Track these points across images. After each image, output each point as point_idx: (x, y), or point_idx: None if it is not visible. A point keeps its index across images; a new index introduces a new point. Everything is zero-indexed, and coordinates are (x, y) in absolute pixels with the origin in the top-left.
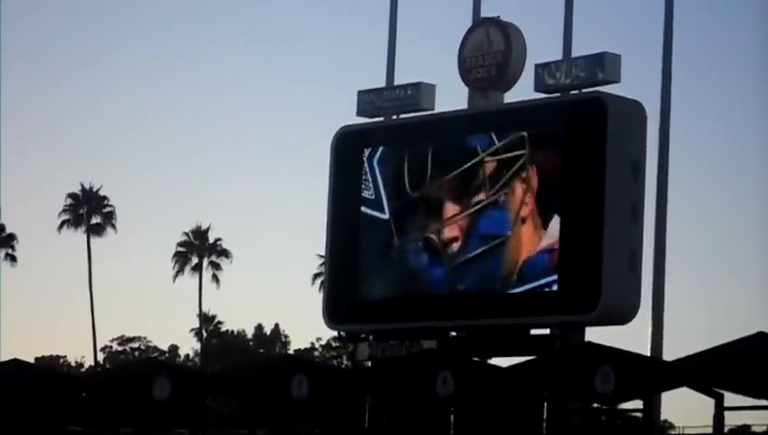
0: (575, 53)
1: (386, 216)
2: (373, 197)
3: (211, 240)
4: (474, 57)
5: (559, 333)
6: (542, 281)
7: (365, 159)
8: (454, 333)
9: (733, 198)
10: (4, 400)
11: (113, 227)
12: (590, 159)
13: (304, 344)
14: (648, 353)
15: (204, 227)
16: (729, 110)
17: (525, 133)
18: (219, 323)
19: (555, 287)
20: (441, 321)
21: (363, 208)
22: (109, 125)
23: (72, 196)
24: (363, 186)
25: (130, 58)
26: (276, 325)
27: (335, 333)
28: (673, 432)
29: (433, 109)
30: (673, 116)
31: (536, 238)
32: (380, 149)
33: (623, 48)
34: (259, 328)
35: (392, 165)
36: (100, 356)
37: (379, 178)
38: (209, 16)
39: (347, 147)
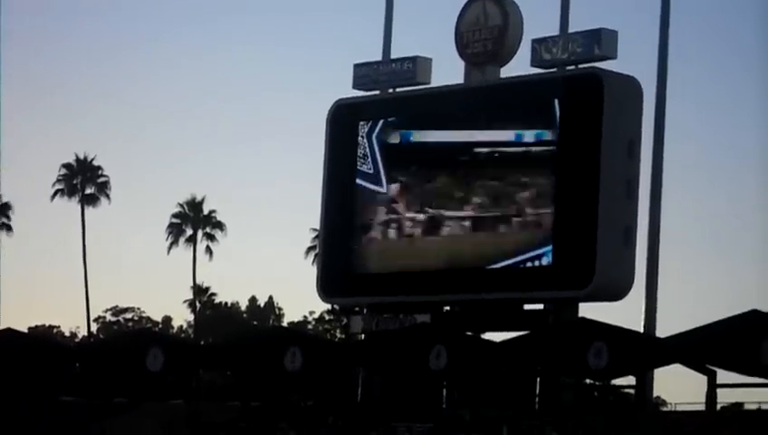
0: (572, 28)
1: (383, 189)
2: (371, 171)
3: (205, 212)
4: (470, 32)
5: (552, 309)
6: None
7: (364, 133)
8: (447, 308)
9: (729, 175)
10: None
11: (107, 197)
12: (586, 134)
13: (298, 317)
14: (642, 330)
15: (198, 198)
16: (726, 86)
17: (521, 107)
18: (213, 294)
19: (549, 262)
20: (435, 295)
21: (359, 181)
22: (103, 96)
23: (66, 166)
24: (361, 160)
25: (126, 30)
26: (270, 298)
27: (329, 306)
28: (665, 409)
29: (429, 83)
30: (669, 92)
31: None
32: (380, 123)
33: (620, 24)
34: (253, 300)
35: (391, 139)
36: (94, 327)
37: (377, 152)
38: None
39: (342, 120)
